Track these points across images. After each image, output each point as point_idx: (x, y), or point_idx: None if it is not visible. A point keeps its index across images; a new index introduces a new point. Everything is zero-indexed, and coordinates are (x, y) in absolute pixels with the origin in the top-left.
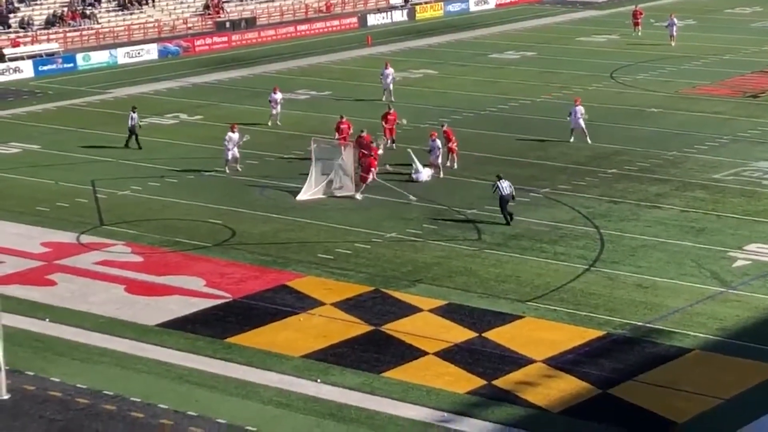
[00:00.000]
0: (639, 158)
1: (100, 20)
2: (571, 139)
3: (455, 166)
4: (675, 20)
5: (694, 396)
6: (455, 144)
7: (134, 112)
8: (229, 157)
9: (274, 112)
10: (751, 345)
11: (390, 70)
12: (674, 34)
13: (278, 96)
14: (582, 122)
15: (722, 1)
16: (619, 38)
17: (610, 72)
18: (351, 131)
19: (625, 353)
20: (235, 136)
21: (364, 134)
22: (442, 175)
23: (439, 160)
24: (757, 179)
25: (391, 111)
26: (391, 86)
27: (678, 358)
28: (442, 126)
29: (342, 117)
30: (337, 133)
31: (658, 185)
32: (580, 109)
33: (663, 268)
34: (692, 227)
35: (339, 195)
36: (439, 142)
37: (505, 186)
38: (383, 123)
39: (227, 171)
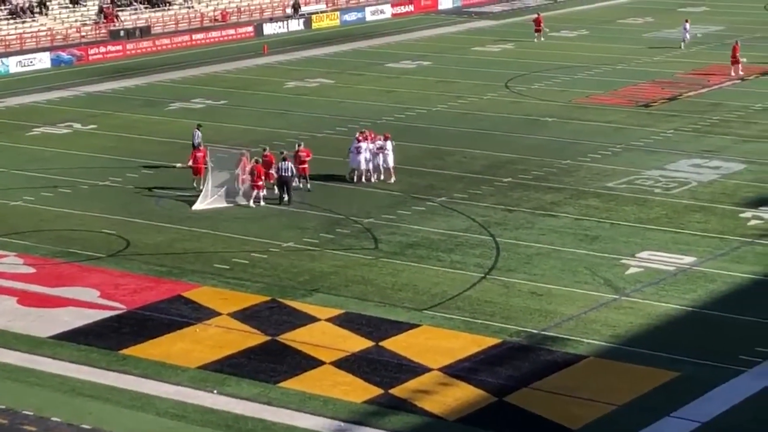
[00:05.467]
0: (534, 167)
1: None
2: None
3: (308, 187)
4: (688, 26)
5: (588, 402)
6: (306, 164)
7: (199, 129)
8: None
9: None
10: (644, 351)
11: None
12: (686, 39)
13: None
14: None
15: (615, 11)
16: (514, 48)
17: (505, 81)
18: (310, 157)
19: (521, 361)
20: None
21: (267, 153)
22: (393, 180)
23: (391, 165)
24: (649, 187)
25: (302, 147)
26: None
27: (573, 365)
28: (299, 145)
29: (300, 144)
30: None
31: (552, 194)
32: (389, 144)
33: (557, 275)
34: (586, 235)
35: (233, 204)
36: (368, 146)
37: (287, 167)
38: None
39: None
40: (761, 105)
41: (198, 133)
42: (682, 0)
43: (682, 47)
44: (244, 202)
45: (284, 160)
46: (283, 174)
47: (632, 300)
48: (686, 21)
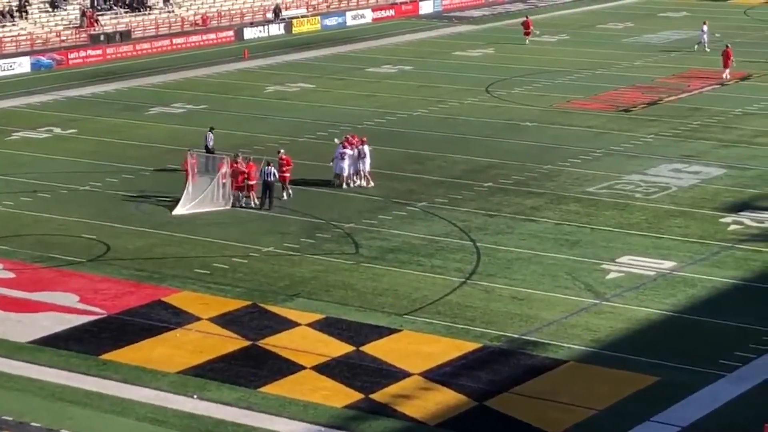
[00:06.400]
0: (514, 172)
1: None
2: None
3: (289, 196)
4: (705, 28)
5: (568, 407)
6: (287, 173)
7: (211, 132)
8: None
9: None
10: (624, 356)
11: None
12: (704, 41)
13: None
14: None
15: (595, 16)
16: (495, 53)
17: (486, 86)
18: (291, 166)
19: (501, 365)
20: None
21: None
22: (372, 184)
23: (367, 169)
24: (630, 192)
25: (282, 155)
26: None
27: (553, 369)
28: (279, 152)
29: (280, 151)
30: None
31: (533, 198)
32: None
33: (538, 280)
34: (566, 240)
35: (214, 208)
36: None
37: (270, 172)
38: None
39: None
40: (741, 110)
41: (210, 136)
42: (662, 6)
43: (706, 49)
44: (224, 206)
45: (268, 164)
46: (267, 178)
47: (612, 305)
48: (704, 23)
